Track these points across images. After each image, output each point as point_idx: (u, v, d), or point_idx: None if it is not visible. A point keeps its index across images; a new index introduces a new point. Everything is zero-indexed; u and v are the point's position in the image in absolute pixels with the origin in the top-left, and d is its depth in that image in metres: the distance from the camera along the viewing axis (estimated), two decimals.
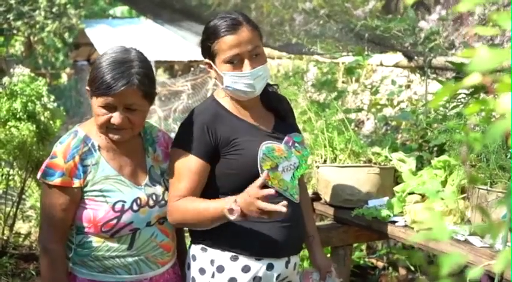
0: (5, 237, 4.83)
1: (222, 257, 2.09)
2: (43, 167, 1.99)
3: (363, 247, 4.34)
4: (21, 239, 5.19)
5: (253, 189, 1.87)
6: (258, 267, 2.09)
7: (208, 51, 2.08)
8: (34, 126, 4.68)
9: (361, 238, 2.86)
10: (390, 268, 4.15)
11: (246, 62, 2.04)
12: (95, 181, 1.99)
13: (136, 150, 2.12)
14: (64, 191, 1.97)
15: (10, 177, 4.87)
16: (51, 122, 4.94)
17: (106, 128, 1.98)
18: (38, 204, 5.39)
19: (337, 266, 2.72)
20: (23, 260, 4.85)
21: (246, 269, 2.08)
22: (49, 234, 2.01)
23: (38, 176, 2.01)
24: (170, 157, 2.14)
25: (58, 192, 1.97)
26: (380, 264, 4.26)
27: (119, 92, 1.90)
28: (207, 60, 2.11)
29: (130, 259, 2.03)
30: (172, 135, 2.23)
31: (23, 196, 5.08)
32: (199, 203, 2.01)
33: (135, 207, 2.02)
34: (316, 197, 2.83)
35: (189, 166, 2.05)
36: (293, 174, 2.15)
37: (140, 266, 2.06)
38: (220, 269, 2.09)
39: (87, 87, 1.99)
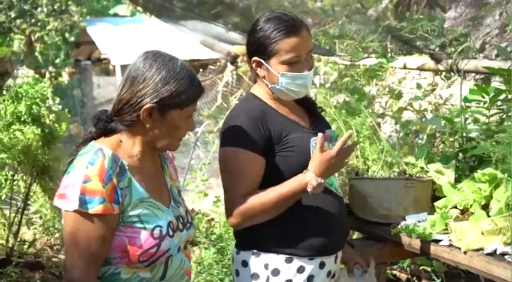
0: (9, 245, 4.64)
1: (277, 260, 2.09)
2: (76, 194, 1.69)
3: None
4: (26, 247, 5.00)
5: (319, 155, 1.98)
6: (311, 266, 2.11)
7: (262, 50, 2.07)
8: (39, 129, 4.52)
9: (396, 255, 2.67)
10: (415, 280, 3.97)
11: (304, 63, 2.08)
12: (132, 205, 1.75)
13: (159, 170, 1.93)
14: (104, 219, 1.70)
15: (14, 182, 4.69)
16: (56, 125, 4.77)
17: None
18: (44, 210, 5.20)
19: None
20: (28, 268, 4.68)
21: (301, 269, 2.10)
22: (89, 272, 1.71)
23: (73, 206, 1.69)
24: (224, 156, 2.09)
25: (98, 222, 1.70)
26: (403, 276, 4.08)
27: None
28: (256, 58, 2.09)
29: None
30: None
31: (28, 202, 4.89)
32: (269, 192, 2.03)
33: (170, 232, 1.81)
34: (348, 211, 2.64)
35: (251, 165, 2.05)
36: None
37: None
38: (276, 272, 2.09)
39: (151, 105, 1.74)
